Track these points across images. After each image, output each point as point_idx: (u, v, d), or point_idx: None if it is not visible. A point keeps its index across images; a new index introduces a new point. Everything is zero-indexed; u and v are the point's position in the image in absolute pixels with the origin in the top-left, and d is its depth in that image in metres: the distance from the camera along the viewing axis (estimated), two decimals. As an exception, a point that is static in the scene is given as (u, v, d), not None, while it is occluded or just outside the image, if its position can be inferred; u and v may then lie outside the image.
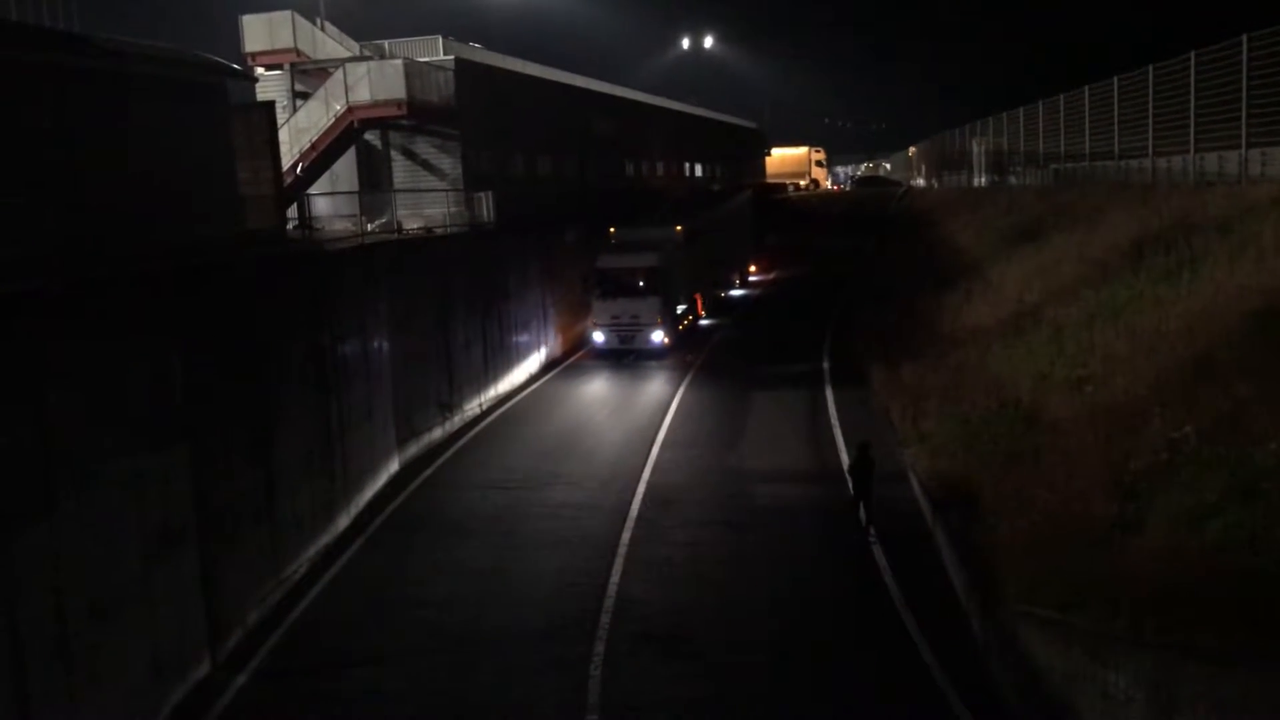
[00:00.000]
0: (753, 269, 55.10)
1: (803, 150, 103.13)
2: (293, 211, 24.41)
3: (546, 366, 34.46)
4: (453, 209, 29.25)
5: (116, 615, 13.18)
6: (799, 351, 34.96)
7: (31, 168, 14.83)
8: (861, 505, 18.80)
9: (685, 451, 24.23)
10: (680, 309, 36.79)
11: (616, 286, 34.05)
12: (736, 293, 50.19)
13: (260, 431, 17.35)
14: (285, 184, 24.96)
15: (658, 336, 34.01)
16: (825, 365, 32.56)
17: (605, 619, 15.96)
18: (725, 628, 15.65)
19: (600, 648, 15.07)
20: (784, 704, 13.61)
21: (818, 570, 17.59)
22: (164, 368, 14.63)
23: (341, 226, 25.61)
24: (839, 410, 26.79)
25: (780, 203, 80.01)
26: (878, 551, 17.88)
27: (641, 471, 22.73)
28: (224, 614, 15.78)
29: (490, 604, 16.87)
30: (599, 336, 34.42)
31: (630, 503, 20.84)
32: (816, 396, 28.73)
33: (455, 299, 27.31)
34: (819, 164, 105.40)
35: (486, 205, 29.72)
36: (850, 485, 19.23)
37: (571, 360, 35.59)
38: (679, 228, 37.13)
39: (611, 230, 36.69)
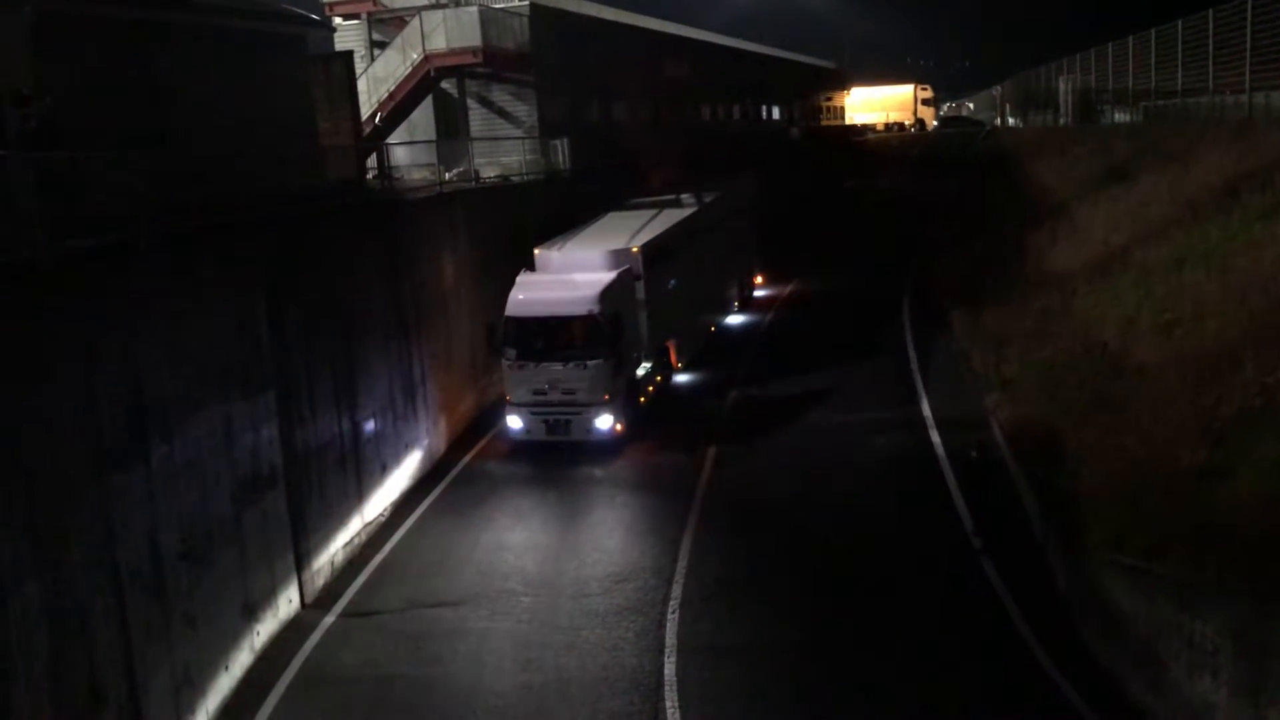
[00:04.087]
0: (759, 280, 37.79)
1: (907, 89, 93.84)
2: (372, 161, 24.66)
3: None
4: (529, 156, 29.29)
5: (209, 557, 13.64)
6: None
7: (119, 122, 15.14)
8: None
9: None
10: (641, 371, 23.94)
11: (540, 345, 21.77)
12: (736, 320, 33.30)
13: (344, 378, 17.72)
14: (364, 134, 25.21)
15: (604, 423, 21.55)
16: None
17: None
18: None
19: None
20: (863, 651, 13.67)
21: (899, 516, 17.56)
22: (251, 317, 14.98)
23: (420, 175, 25.77)
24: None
25: (859, 146, 78.77)
26: (959, 501, 17.70)
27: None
28: (312, 555, 16.27)
29: (569, 547, 17.15)
30: (516, 423, 22.00)
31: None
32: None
33: (531, 246, 27.33)
34: (925, 103, 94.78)
35: (562, 152, 29.71)
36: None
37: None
38: (635, 247, 23.96)
39: (536, 251, 24.17)
